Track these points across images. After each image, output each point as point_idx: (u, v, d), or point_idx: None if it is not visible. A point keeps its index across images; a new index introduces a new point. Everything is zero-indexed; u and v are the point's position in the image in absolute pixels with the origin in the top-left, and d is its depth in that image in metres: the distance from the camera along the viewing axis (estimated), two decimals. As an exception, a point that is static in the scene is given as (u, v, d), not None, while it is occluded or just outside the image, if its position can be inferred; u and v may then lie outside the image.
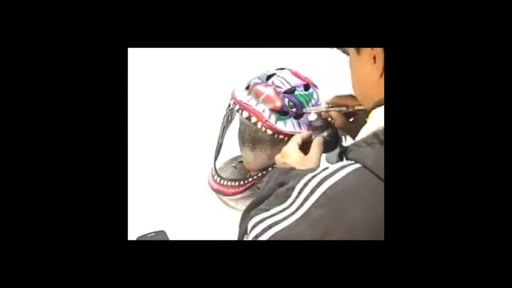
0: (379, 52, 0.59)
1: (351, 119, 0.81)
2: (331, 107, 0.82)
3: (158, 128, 1.30)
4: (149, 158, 1.19)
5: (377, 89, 0.61)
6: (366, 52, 0.61)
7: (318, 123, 0.84)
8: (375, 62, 0.60)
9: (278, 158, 0.79)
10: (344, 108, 0.79)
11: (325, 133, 0.82)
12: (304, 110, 0.90)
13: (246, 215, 0.67)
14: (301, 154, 0.76)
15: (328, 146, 0.81)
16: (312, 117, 0.85)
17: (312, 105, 0.91)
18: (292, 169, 0.72)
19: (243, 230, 0.66)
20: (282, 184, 0.67)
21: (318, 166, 0.76)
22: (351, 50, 0.65)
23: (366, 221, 0.52)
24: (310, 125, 0.88)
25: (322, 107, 0.86)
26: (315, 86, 0.96)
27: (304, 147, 0.79)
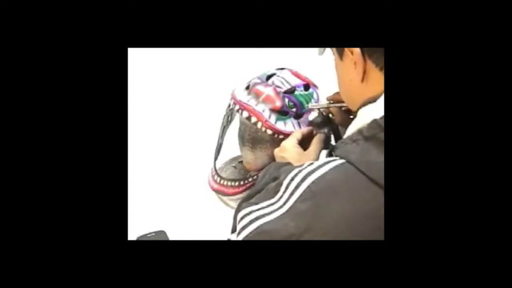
0: (358, 58, 0.59)
1: (351, 116, 0.80)
2: (332, 103, 0.82)
3: (158, 128, 1.30)
4: (149, 158, 1.19)
5: (360, 93, 0.62)
6: (348, 57, 0.61)
7: (319, 120, 0.84)
8: (356, 67, 0.60)
9: (276, 152, 0.80)
10: (344, 104, 0.79)
11: (325, 129, 0.81)
12: (309, 106, 0.90)
13: (240, 208, 0.68)
14: (299, 149, 0.77)
15: (328, 142, 0.81)
16: (313, 116, 0.85)
17: (314, 101, 0.91)
18: (289, 164, 0.73)
19: (235, 221, 0.67)
20: (275, 179, 0.67)
21: None
22: (335, 55, 0.65)
23: (347, 215, 0.53)
24: (311, 122, 0.88)
25: (323, 103, 0.86)
26: (315, 86, 0.96)
27: (304, 142, 0.79)
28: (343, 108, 0.80)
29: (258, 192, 0.67)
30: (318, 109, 0.86)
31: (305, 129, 0.83)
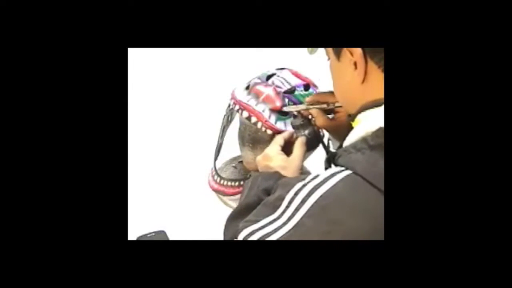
0: (359, 58, 0.57)
1: (330, 116, 0.79)
2: (311, 104, 0.81)
3: (158, 128, 1.30)
4: (149, 158, 1.19)
5: (360, 95, 0.60)
6: (346, 58, 0.59)
7: (299, 122, 0.83)
8: (356, 68, 0.59)
9: (260, 161, 0.77)
10: (324, 106, 0.78)
11: (306, 132, 0.81)
12: (284, 108, 0.89)
13: (231, 223, 0.67)
14: (284, 156, 0.76)
15: (310, 144, 0.80)
16: (295, 122, 0.84)
17: (292, 104, 0.90)
18: (276, 172, 0.72)
19: (228, 238, 0.66)
20: (267, 191, 0.66)
21: (301, 167, 0.75)
22: (331, 55, 0.64)
23: (361, 230, 0.52)
24: (291, 125, 0.87)
25: (302, 105, 0.85)
26: (315, 86, 0.96)
27: (286, 147, 0.78)
28: (322, 109, 0.78)
29: (250, 205, 0.66)
30: (298, 111, 0.85)
31: (286, 133, 0.82)
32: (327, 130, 0.82)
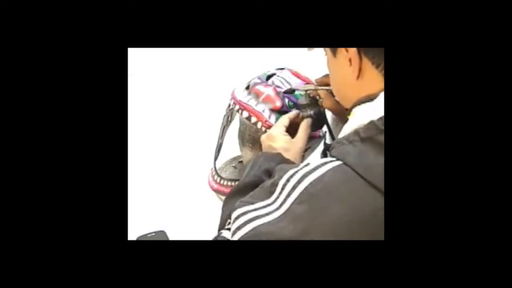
0: (354, 55, 0.59)
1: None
2: (320, 85, 0.82)
3: (158, 128, 1.30)
4: (149, 158, 1.19)
5: (355, 91, 0.62)
6: (342, 55, 0.61)
7: (306, 101, 0.84)
8: (351, 64, 0.60)
9: (264, 140, 0.78)
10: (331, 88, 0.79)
11: (312, 112, 0.81)
12: (294, 86, 0.89)
13: (229, 201, 0.68)
14: (287, 137, 0.76)
15: (315, 124, 0.80)
16: (302, 100, 0.85)
17: (292, 104, 0.90)
18: (278, 154, 0.72)
19: (225, 215, 0.67)
20: (268, 172, 0.67)
21: (304, 150, 0.76)
22: (328, 52, 0.65)
23: (345, 218, 0.52)
24: (297, 104, 0.88)
25: (311, 85, 0.85)
26: (315, 86, 0.96)
27: (291, 128, 0.79)
28: (329, 91, 0.79)
29: (249, 184, 0.67)
30: (306, 91, 0.85)
31: (291, 113, 0.82)
32: (333, 112, 0.82)
